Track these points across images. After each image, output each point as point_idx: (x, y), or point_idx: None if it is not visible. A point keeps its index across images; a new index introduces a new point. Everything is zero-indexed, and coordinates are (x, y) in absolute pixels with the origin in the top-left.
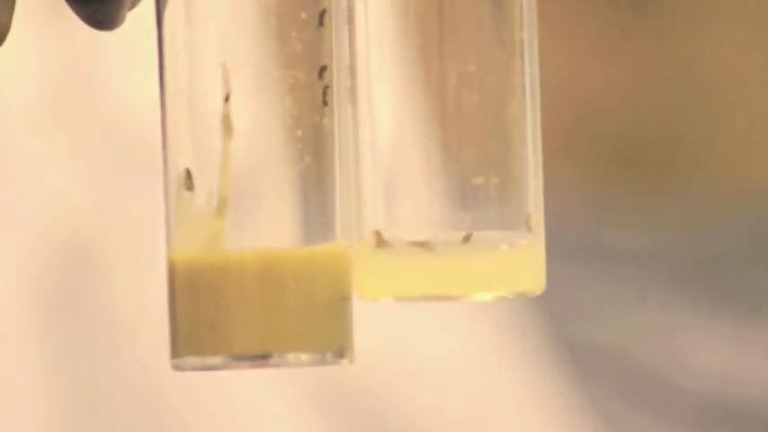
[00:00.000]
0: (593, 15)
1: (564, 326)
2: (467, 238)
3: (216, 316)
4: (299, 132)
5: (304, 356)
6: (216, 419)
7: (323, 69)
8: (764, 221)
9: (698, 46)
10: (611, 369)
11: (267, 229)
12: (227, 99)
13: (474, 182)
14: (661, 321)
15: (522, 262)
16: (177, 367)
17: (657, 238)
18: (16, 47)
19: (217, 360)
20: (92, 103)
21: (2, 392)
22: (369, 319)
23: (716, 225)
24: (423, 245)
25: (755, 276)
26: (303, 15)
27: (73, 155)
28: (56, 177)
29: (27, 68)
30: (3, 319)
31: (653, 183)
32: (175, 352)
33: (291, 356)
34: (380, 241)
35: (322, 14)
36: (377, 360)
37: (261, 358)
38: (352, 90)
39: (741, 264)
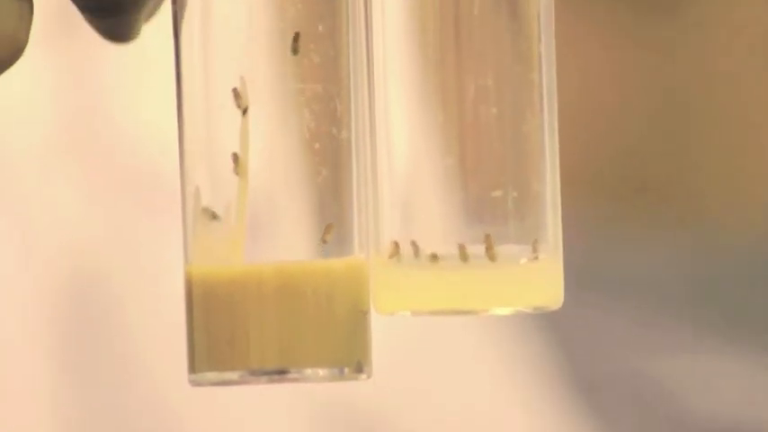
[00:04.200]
0: (604, 39)
1: (571, 350)
2: (487, 244)
3: (234, 330)
4: (317, 145)
5: (322, 372)
6: None
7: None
8: None
9: (711, 73)
10: (617, 393)
11: (285, 243)
12: (244, 112)
13: (492, 195)
14: (667, 346)
15: (540, 276)
16: (195, 383)
17: (663, 264)
18: (28, 76)
19: (234, 375)
20: (102, 134)
21: (19, 422)
22: (381, 335)
23: (721, 252)
24: (440, 258)
25: (760, 303)
26: (320, 28)
27: (83, 184)
28: (67, 206)
29: (38, 98)
30: (16, 349)
31: (659, 209)
32: (193, 367)
33: (309, 372)
34: (397, 252)
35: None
36: (386, 376)
37: (278, 373)
38: (370, 103)
39: (746, 290)
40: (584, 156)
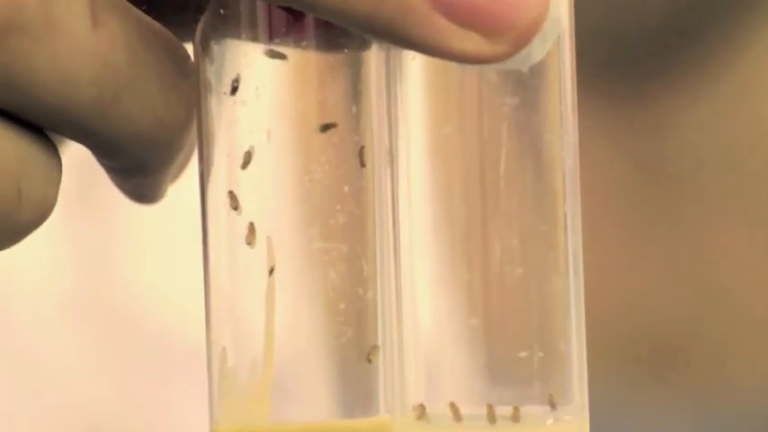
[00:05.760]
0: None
1: None
2: (515, 414)
3: None
4: (342, 305)
5: None
6: None
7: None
8: None
9: (714, 251)
10: None
11: (310, 403)
12: (271, 272)
13: (518, 356)
14: None
15: None
16: None
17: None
18: (43, 242)
19: None
20: (116, 300)
21: None
22: None
23: (746, 421)
24: (466, 419)
25: None
26: (346, 189)
27: (97, 349)
28: (81, 372)
29: (52, 264)
30: None
31: (681, 377)
32: None
33: None
34: (423, 415)
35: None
36: None
37: None
38: (396, 262)
39: None
40: (607, 319)
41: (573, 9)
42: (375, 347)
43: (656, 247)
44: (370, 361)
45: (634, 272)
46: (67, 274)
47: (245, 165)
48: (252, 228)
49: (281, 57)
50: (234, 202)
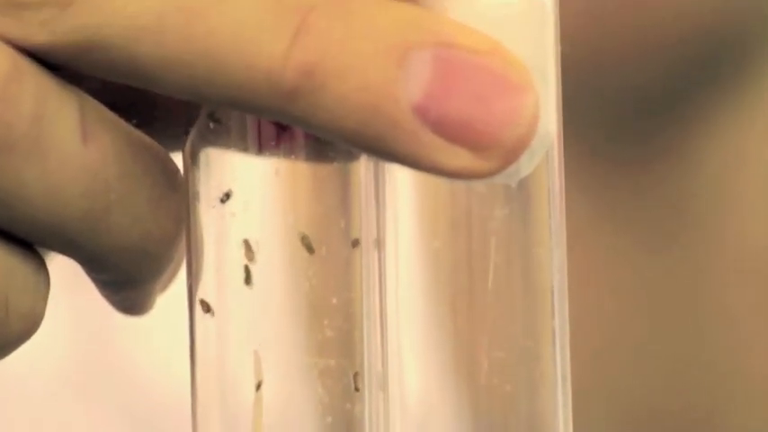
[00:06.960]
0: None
1: None
2: None
3: None
4: (330, 419)
5: None
6: None
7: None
8: None
9: (711, 299)
10: None
11: None
12: (258, 386)
13: None
14: None
15: None
16: None
17: None
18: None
19: None
20: (114, 370)
21: None
22: None
23: None
24: None
25: None
26: (334, 301)
27: (93, 423)
28: None
29: (52, 332)
30: None
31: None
32: None
33: None
34: None
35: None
36: None
37: None
38: (384, 376)
39: None
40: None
41: (561, 123)
42: (357, 374)
43: (662, 323)
44: (357, 389)
45: (609, 318)
46: (64, 343)
47: (247, 281)
48: (248, 244)
49: (310, 251)
50: (205, 307)
